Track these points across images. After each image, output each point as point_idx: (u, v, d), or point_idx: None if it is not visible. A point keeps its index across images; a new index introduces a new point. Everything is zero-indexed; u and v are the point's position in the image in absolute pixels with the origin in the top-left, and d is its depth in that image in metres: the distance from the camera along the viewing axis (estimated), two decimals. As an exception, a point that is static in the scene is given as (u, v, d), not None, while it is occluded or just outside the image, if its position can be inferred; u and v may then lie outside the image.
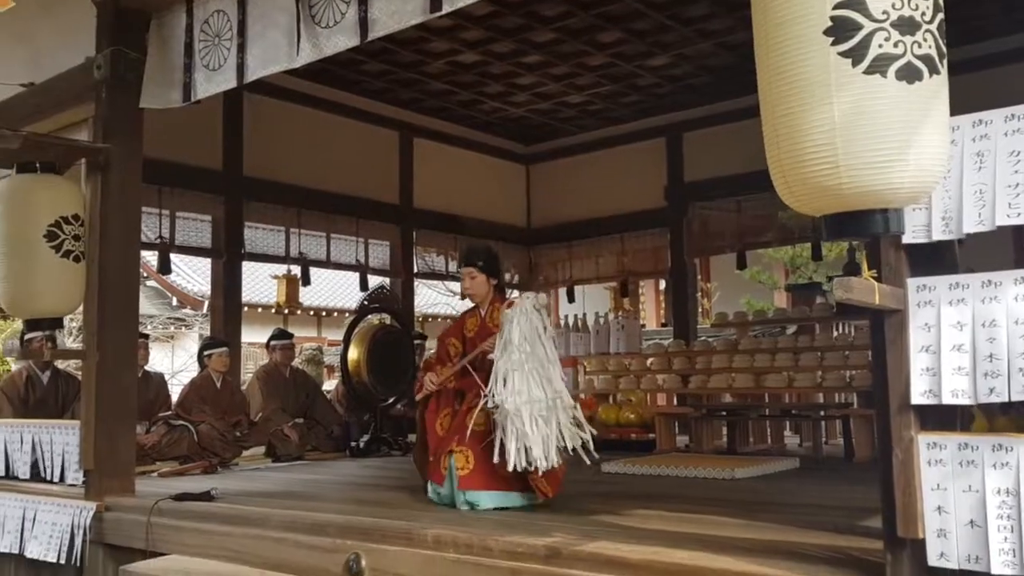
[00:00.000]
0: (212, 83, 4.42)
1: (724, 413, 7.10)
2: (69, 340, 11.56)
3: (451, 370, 4.27)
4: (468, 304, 4.66)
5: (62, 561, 4.60)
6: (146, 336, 7.09)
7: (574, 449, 3.82)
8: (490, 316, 4.33)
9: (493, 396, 3.74)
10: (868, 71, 2.02)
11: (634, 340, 8.87)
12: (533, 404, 3.70)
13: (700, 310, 14.11)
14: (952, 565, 2.14)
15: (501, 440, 3.74)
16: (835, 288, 2.12)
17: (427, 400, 4.32)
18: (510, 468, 3.71)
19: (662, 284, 15.62)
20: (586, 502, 4.22)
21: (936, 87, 2.07)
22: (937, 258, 2.32)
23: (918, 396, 2.24)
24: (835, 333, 7.80)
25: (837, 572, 2.47)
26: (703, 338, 8.95)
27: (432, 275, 9.65)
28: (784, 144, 2.16)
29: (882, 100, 2.02)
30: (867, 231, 2.17)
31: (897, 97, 2.02)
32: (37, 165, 4.75)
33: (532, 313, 3.87)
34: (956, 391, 2.19)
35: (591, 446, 3.86)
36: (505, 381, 3.73)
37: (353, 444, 7.32)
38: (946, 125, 2.14)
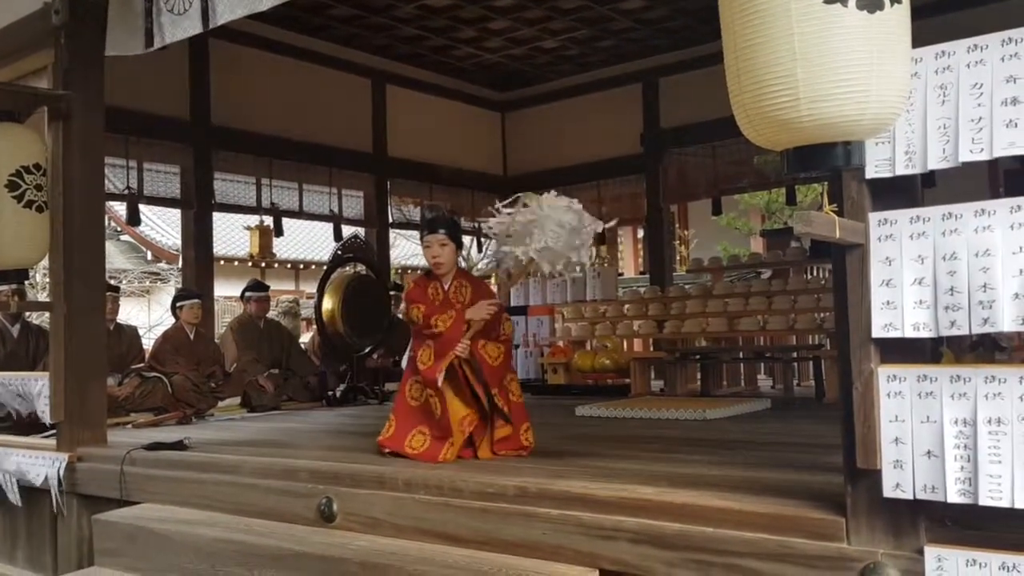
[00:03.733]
0: (178, 28, 4.28)
1: (698, 357, 7.15)
2: (42, 295, 11.46)
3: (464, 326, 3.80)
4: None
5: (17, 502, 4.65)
6: (116, 289, 7.02)
7: None
8: (455, 290, 3.96)
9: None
10: (829, 0, 1.99)
11: (610, 287, 8.91)
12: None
13: (678, 257, 14.17)
14: (907, 496, 2.16)
15: None
16: (795, 222, 2.11)
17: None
18: None
19: (640, 233, 15.63)
20: (559, 444, 4.26)
21: (898, 17, 2.04)
22: (899, 192, 2.31)
23: (879, 329, 2.24)
24: (808, 277, 7.85)
25: (798, 504, 2.50)
26: (679, 284, 8.98)
27: (407, 225, 9.60)
28: (745, 77, 2.13)
29: (842, 30, 1.99)
30: (828, 164, 2.16)
31: (858, 27, 1.99)
32: (-4, 114, 4.66)
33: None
34: (917, 324, 2.20)
35: None
36: None
37: (329, 394, 7.33)
38: (908, 56, 2.12)
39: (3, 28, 5.23)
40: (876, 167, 2.28)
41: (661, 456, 3.70)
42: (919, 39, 2.17)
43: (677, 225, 14.38)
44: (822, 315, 6.62)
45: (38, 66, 5.05)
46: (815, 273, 8.25)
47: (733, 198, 12.98)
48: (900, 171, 2.26)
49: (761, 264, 8.92)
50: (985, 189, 6.23)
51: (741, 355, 7.36)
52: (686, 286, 8.59)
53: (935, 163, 2.21)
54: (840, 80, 2.00)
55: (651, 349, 8.21)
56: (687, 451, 3.81)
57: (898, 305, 2.22)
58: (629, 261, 17.16)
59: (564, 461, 3.61)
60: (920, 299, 2.20)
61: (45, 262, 5.01)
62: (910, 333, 2.20)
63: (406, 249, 17.29)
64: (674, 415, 5.35)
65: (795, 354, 6.92)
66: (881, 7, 2.01)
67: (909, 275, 2.22)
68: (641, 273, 15.29)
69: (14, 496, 4.76)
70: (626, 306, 8.17)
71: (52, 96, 4.74)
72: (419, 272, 19.11)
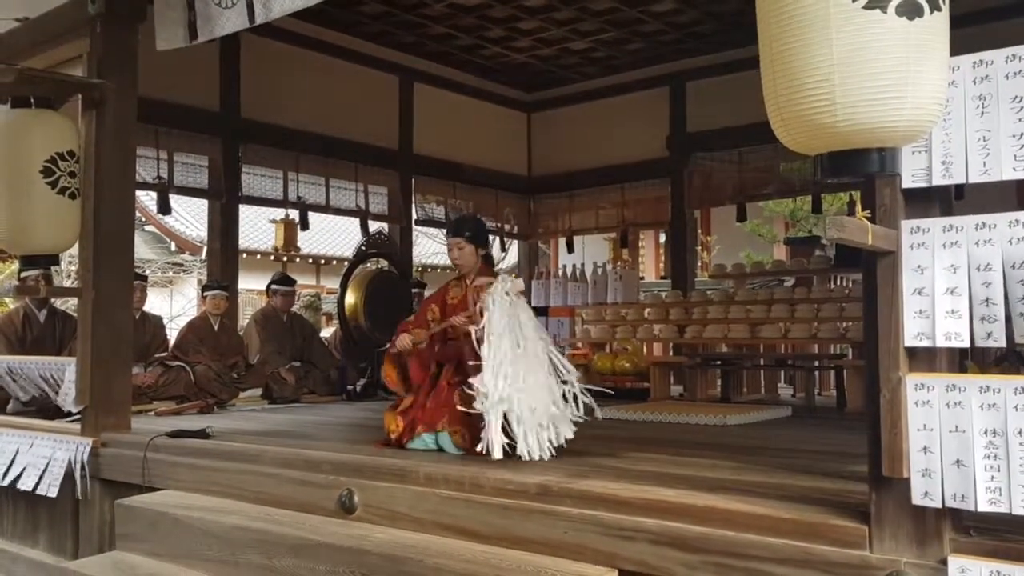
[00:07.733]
0: (221, 23, 4.24)
1: (719, 363, 7.13)
2: (68, 281, 11.58)
3: (425, 335, 4.20)
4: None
5: (52, 494, 4.65)
6: (144, 278, 7.08)
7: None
8: (474, 287, 4.27)
9: (482, 390, 3.58)
10: (868, 6, 1.98)
11: (632, 290, 8.89)
12: (519, 396, 3.57)
13: (700, 263, 14.11)
14: (936, 504, 2.16)
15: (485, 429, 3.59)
16: (828, 227, 2.10)
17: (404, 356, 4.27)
18: (495, 455, 3.52)
19: (663, 237, 15.58)
20: (579, 445, 4.24)
21: (937, 24, 2.04)
22: (932, 200, 2.30)
23: (911, 339, 2.23)
24: (831, 286, 7.80)
25: (821, 511, 2.50)
26: (700, 289, 8.95)
27: (430, 222, 9.61)
28: (781, 81, 2.13)
29: (881, 36, 1.98)
30: (863, 170, 2.16)
31: (896, 33, 1.99)
32: (32, 100, 4.72)
33: (504, 300, 3.75)
34: (949, 334, 2.19)
35: (591, 403, 3.90)
36: (493, 372, 3.59)
37: (349, 388, 7.36)
38: (946, 64, 2.11)
39: (40, 16, 5.30)
40: (913, 177, 2.27)
41: (682, 460, 3.69)
42: (957, 48, 2.16)
43: (700, 230, 14.33)
44: (845, 324, 6.57)
45: (73, 54, 5.11)
46: (839, 282, 8.20)
47: (758, 205, 12.91)
48: (936, 181, 2.25)
49: (785, 272, 8.88)
50: (1014, 201, 6.16)
51: (762, 362, 7.33)
52: (708, 291, 8.56)
53: (976, 176, 2.19)
54: (877, 86, 2.00)
55: (671, 354, 8.19)
56: (707, 456, 3.80)
57: (930, 314, 2.21)
58: (651, 265, 17.10)
59: (585, 461, 3.61)
60: (952, 308, 2.19)
61: (72, 250, 5.07)
62: (941, 343, 2.19)
63: (428, 247, 17.29)
64: (694, 420, 5.34)
65: (817, 363, 6.88)
66: (920, 14, 2.00)
67: (941, 284, 2.21)
68: (663, 277, 15.21)
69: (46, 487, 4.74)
70: (647, 310, 8.15)
71: (86, 84, 4.80)
72: (438, 269, 19.44)
